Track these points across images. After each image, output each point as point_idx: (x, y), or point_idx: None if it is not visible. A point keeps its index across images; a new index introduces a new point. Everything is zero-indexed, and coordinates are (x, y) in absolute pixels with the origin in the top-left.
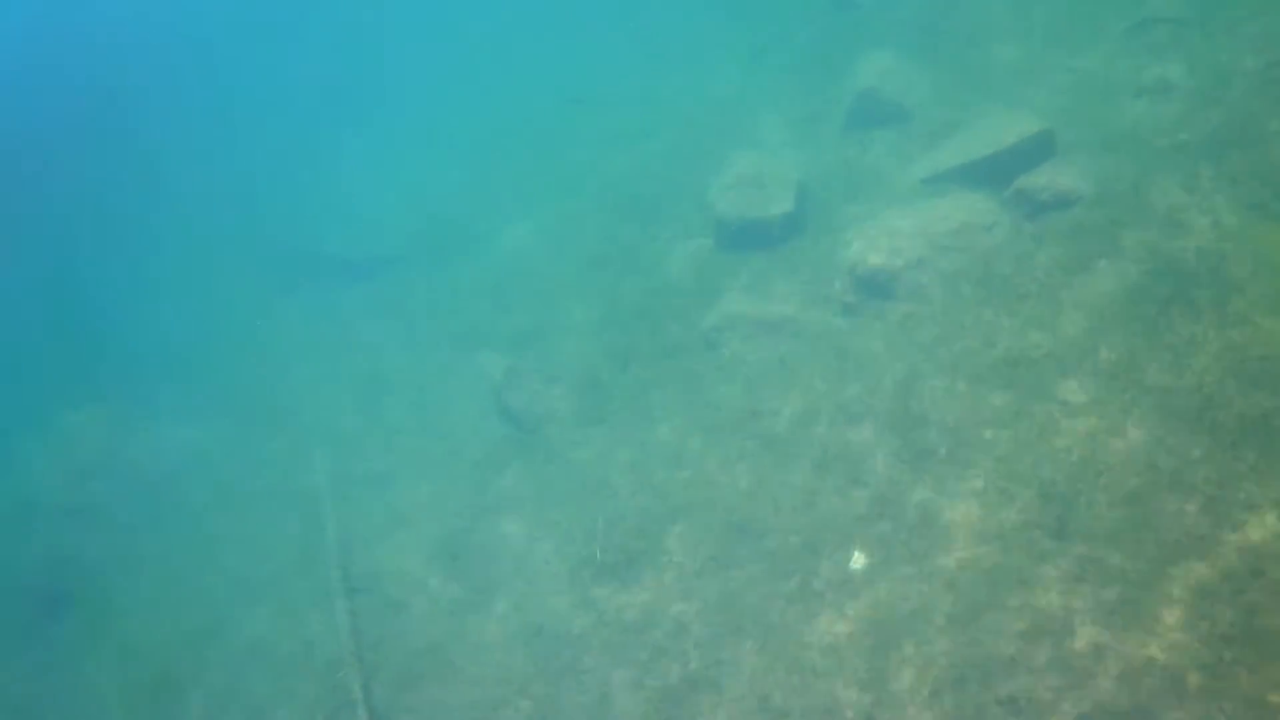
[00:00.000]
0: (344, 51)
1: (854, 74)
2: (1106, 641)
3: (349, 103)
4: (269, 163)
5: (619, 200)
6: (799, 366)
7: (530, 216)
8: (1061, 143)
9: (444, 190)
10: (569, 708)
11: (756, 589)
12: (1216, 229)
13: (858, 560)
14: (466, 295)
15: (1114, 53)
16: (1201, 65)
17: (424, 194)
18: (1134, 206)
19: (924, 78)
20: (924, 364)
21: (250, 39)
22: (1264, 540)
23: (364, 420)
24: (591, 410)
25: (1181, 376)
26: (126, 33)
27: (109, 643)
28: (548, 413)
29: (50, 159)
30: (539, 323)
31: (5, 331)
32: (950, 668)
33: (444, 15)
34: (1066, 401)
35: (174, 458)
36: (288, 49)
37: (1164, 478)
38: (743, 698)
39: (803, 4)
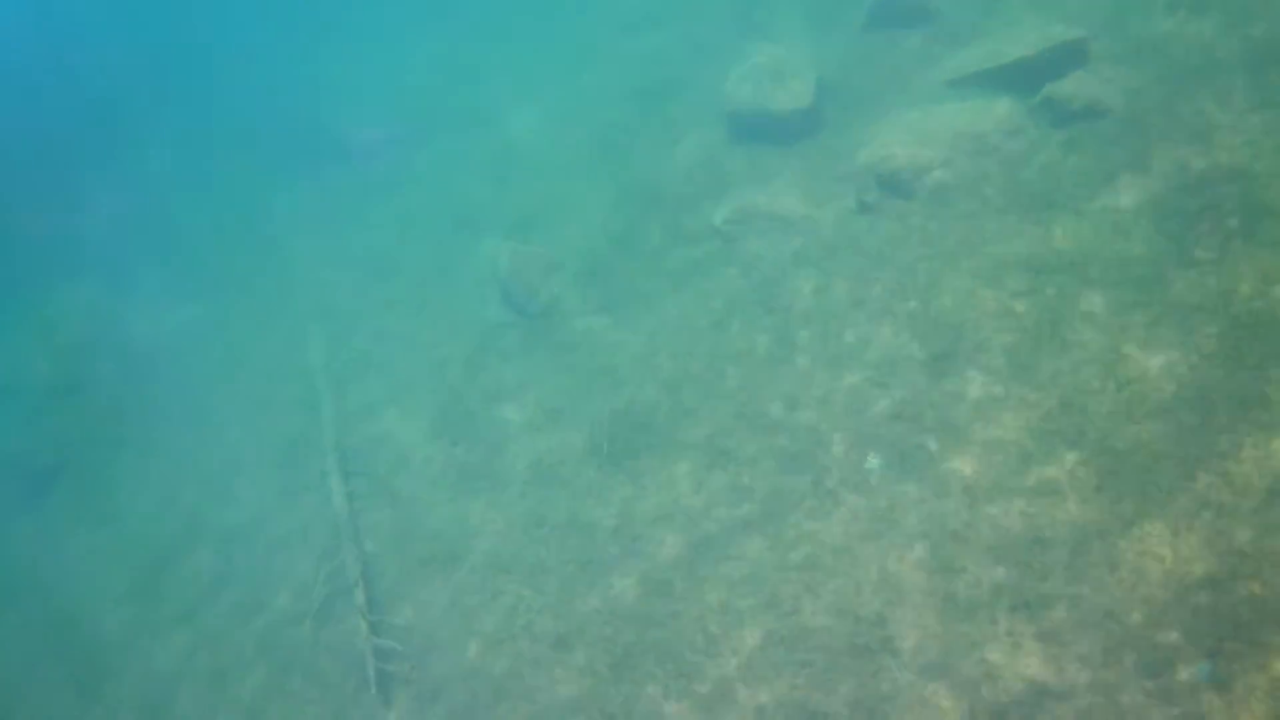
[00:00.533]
0: None
1: None
2: (1120, 551)
3: None
4: (269, 43)
5: (628, 88)
6: (815, 263)
7: (537, 100)
8: (1093, 53)
9: (450, 72)
10: (572, 598)
11: (768, 484)
12: (1250, 148)
13: (872, 461)
14: (470, 178)
15: None
16: None
17: (429, 75)
18: (1164, 122)
19: None
20: (945, 267)
21: None
22: None
23: (363, 302)
24: (597, 298)
25: (1207, 295)
26: None
27: (99, 515)
28: (551, 299)
29: (51, 41)
30: (544, 208)
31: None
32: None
33: None
34: (1090, 313)
35: (166, 337)
36: None
37: (1186, 394)
38: (752, 587)
39: None
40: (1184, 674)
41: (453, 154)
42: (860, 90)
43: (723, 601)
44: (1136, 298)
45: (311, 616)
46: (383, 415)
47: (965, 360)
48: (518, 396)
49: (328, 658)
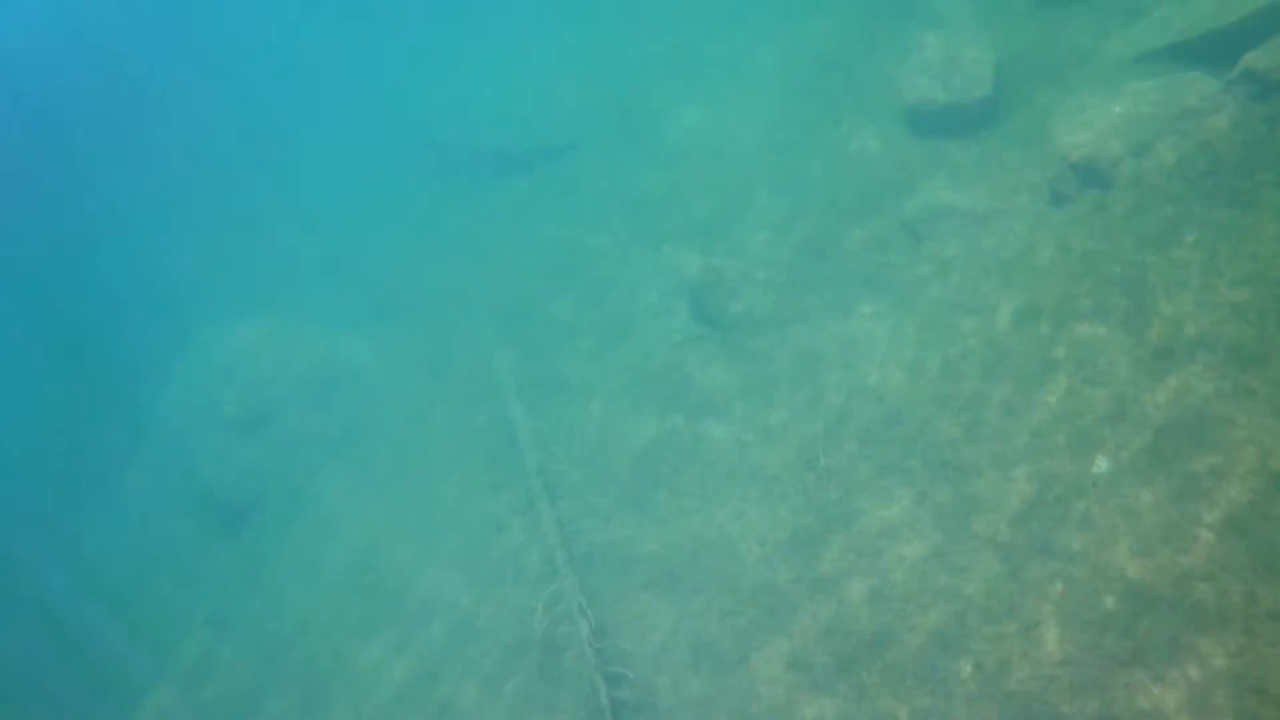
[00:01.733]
0: None
1: None
2: None
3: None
4: (411, 59)
5: (791, 82)
6: (1016, 260)
7: (694, 101)
8: None
9: (601, 76)
10: (801, 618)
11: (986, 497)
12: None
13: (1100, 465)
14: (639, 186)
15: None
16: None
17: (579, 81)
18: None
19: None
20: (1155, 258)
21: None
22: None
23: (542, 321)
24: (790, 307)
25: None
26: None
27: (301, 553)
28: (744, 310)
29: (203, 78)
30: (722, 213)
31: (163, 243)
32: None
33: None
34: None
35: (345, 365)
36: None
37: None
38: (989, 609)
39: None
40: None
41: (614, 161)
42: (1038, 73)
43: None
44: None
45: (536, 644)
46: (584, 436)
47: (1186, 356)
48: (721, 411)
49: (553, 688)
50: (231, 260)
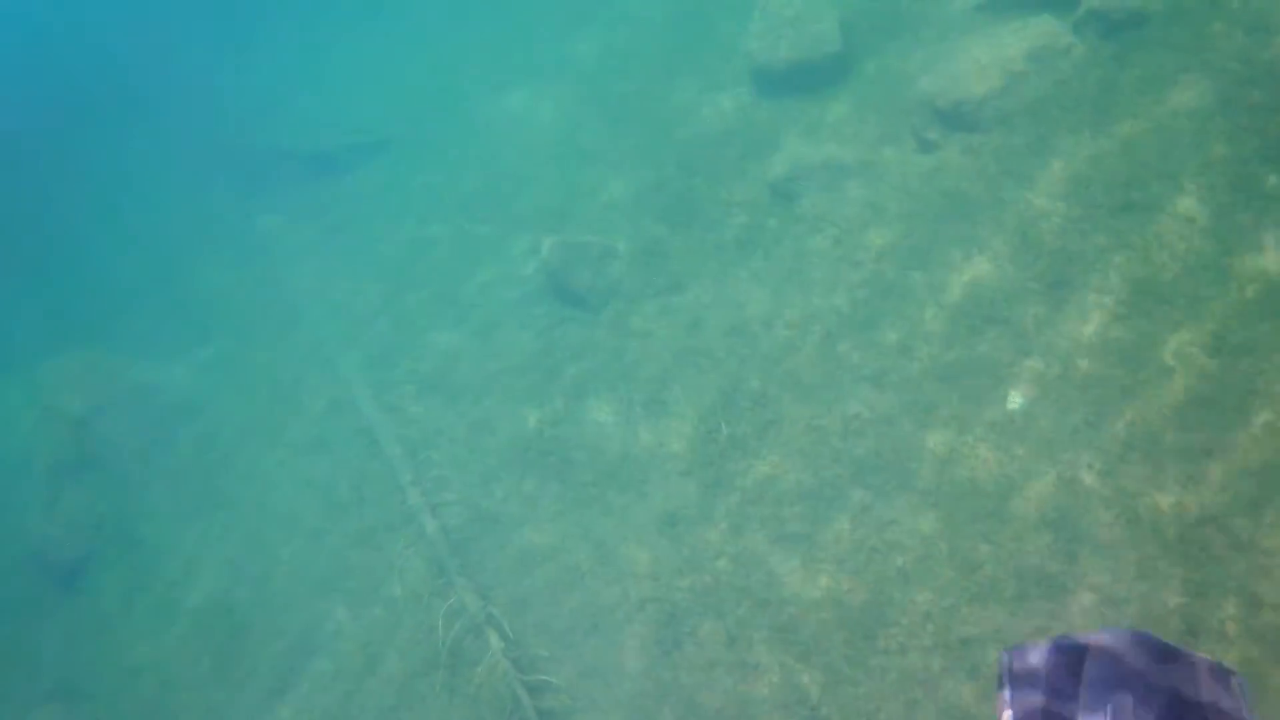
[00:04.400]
0: None
1: None
2: None
3: None
4: (205, 59)
5: (624, 55)
6: (892, 208)
7: (523, 85)
8: None
9: (412, 68)
10: (724, 595)
11: (894, 439)
12: None
13: (1014, 400)
14: (474, 175)
15: None
16: None
17: (390, 74)
18: (1212, 17)
19: None
20: (1029, 194)
21: None
22: None
23: (389, 322)
24: (662, 279)
25: None
26: None
27: (146, 606)
28: (612, 286)
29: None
30: (573, 194)
31: None
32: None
33: None
34: (1189, 218)
35: (178, 391)
36: None
37: None
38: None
39: None
40: None
41: (445, 151)
42: (881, 27)
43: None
44: (1232, 199)
45: (441, 666)
46: (455, 435)
47: (1080, 286)
48: (603, 394)
49: (471, 708)
50: (25, 289)
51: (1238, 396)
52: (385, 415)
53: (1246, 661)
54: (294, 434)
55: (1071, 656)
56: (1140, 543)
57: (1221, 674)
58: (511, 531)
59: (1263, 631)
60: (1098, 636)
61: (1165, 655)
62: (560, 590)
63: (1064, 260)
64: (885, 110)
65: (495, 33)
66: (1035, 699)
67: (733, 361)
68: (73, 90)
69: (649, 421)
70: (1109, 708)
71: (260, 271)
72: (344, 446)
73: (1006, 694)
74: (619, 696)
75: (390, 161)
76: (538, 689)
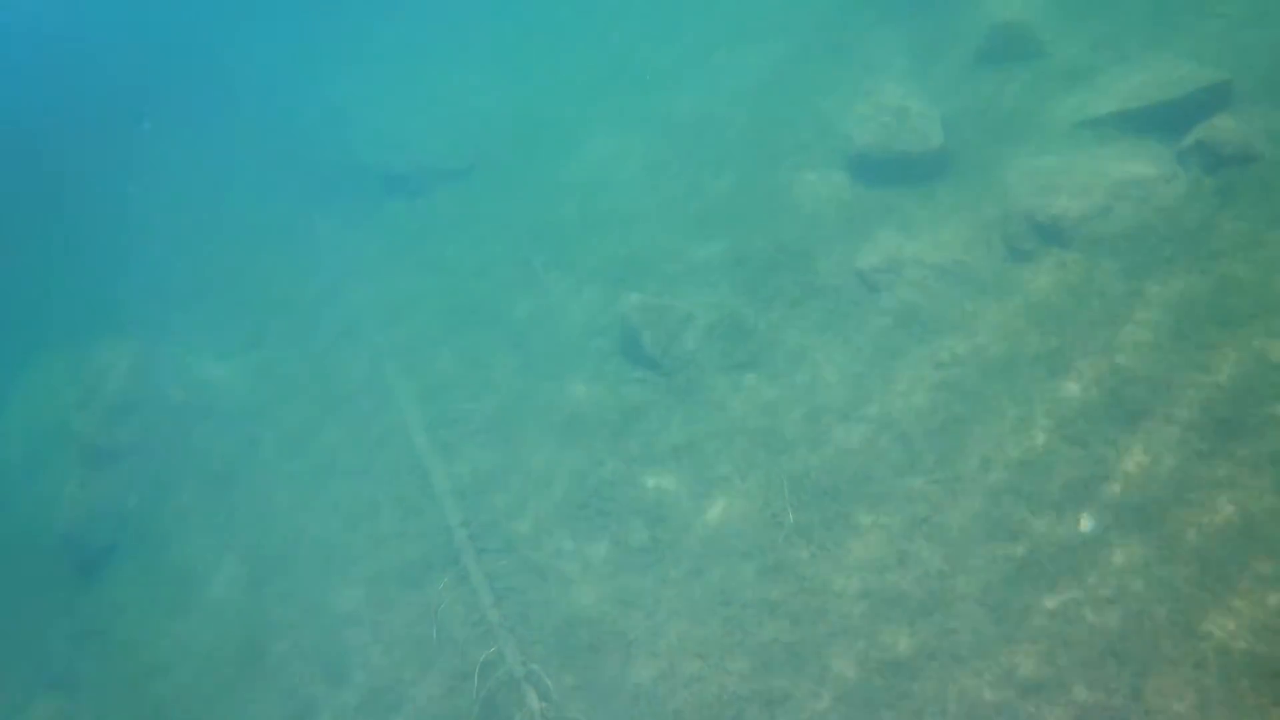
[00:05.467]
0: None
1: (982, 5)
2: None
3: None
4: (292, 70)
5: (721, 118)
6: (980, 314)
7: (611, 133)
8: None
9: (512, 92)
10: (773, 677)
11: (972, 553)
12: None
13: (1085, 523)
14: (552, 217)
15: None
16: None
17: (475, 103)
18: None
19: (1055, 12)
20: (1122, 317)
21: None
22: None
23: (449, 355)
24: (740, 353)
25: None
26: None
27: (168, 603)
28: (687, 354)
29: (67, 72)
30: (654, 252)
31: (21, 254)
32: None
33: None
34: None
35: (222, 393)
36: None
37: None
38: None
39: None
40: None
41: (523, 189)
42: (983, 129)
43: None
44: None
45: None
46: (509, 482)
47: (1157, 419)
48: (670, 463)
49: None
50: (84, 276)
51: None
52: (439, 451)
53: None
54: (341, 454)
55: None
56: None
57: None
58: (560, 588)
59: None
60: None
61: None
62: (604, 655)
63: (1147, 389)
64: (981, 213)
65: (590, 75)
66: None
67: (804, 448)
68: (157, 84)
69: (712, 496)
70: None
71: (322, 282)
72: (392, 476)
73: None
74: None
75: (466, 191)
76: None
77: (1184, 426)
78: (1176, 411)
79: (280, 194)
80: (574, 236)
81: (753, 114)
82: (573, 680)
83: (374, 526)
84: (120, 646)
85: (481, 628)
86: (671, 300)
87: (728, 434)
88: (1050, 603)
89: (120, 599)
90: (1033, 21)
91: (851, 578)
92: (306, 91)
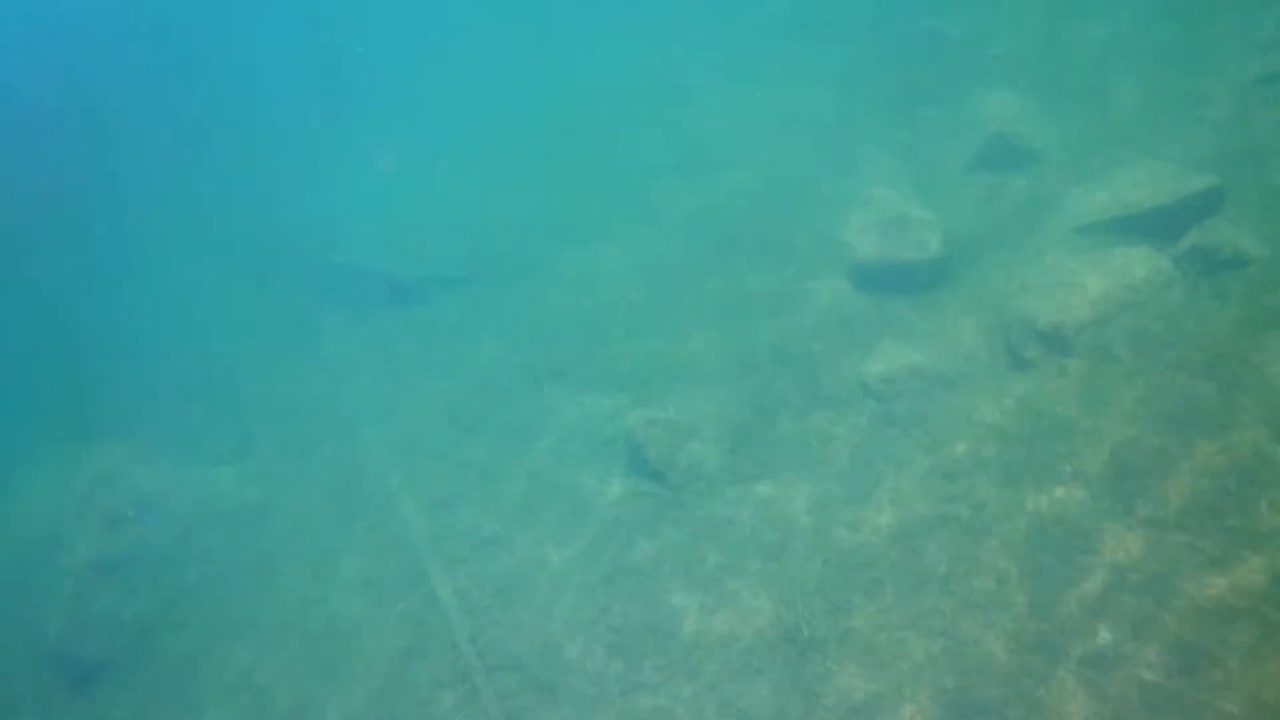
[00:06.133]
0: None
1: (975, 113)
2: None
3: (358, 101)
4: (281, 166)
5: (717, 229)
6: (985, 423)
7: (607, 240)
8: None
9: (490, 205)
10: None
11: (974, 660)
12: None
13: (1104, 635)
14: (549, 326)
15: (1247, 103)
16: None
17: (466, 207)
18: None
19: (1047, 119)
20: (1128, 426)
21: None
22: None
23: (449, 465)
24: (745, 465)
25: None
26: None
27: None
28: (694, 467)
29: (47, 157)
30: (656, 362)
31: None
32: None
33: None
34: None
35: (218, 502)
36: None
37: None
38: None
39: (882, 29)
40: None
41: (519, 297)
42: (981, 236)
43: None
44: None
45: None
46: (516, 596)
47: (1175, 524)
48: (676, 576)
49: None
50: (75, 374)
51: None
52: (444, 565)
53: None
54: (343, 566)
55: None
56: None
57: None
58: (572, 709)
59: None
60: None
61: None
62: None
63: (1160, 499)
64: (981, 321)
65: (586, 179)
66: None
67: (816, 561)
68: (139, 171)
69: (723, 611)
70: None
71: (320, 386)
72: (395, 590)
73: None
74: None
75: (467, 297)
76: None
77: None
78: (1192, 521)
79: (278, 295)
80: (575, 343)
81: (751, 219)
82: None
83: (380, 641)
84: None
85: None
86: (676, 412)
87: (737, 546)
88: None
89: (115, 718)
90: (1026, 130)
91: (868, 691)
92: (306, 189)
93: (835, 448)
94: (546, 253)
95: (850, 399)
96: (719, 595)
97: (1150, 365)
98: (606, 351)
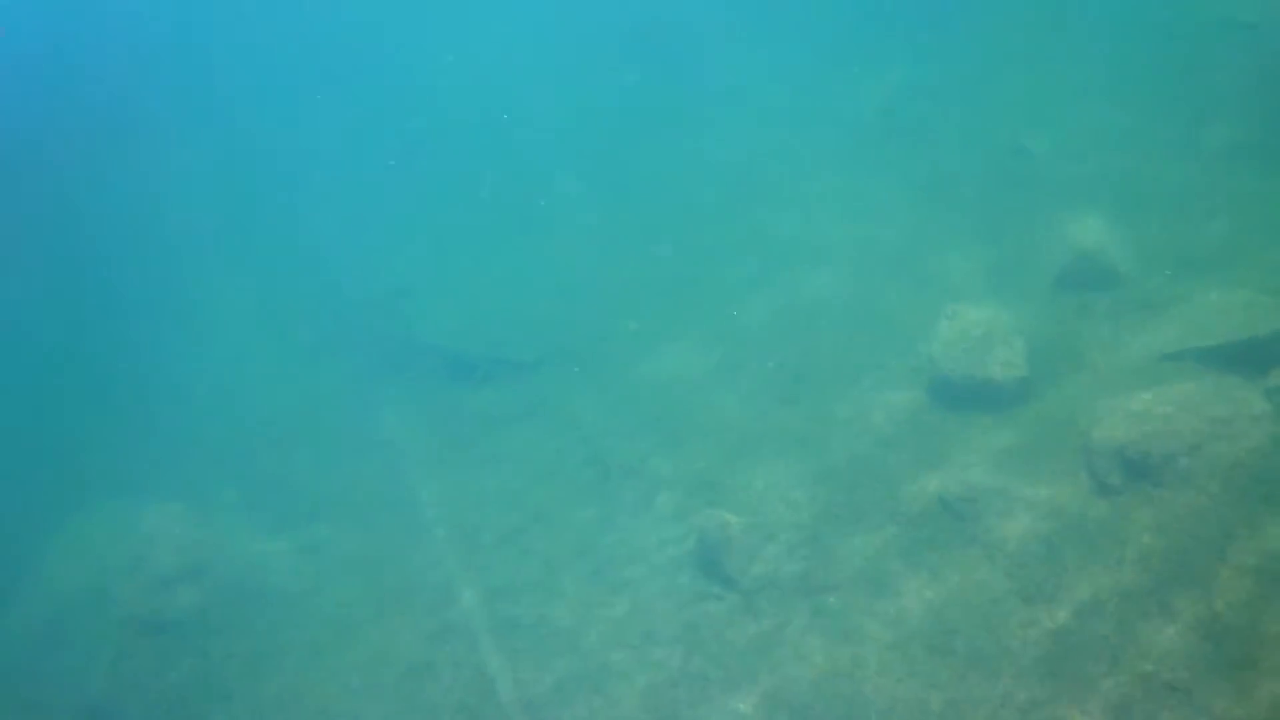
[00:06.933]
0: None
1: (1060, 231)
2: None
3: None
4: (359, 240)
5: (794, 334)
6: (1068, 549)
7: (681, 336)
8: None
9: (571, 294)
10: None
11: None
12: None
13: None
14: (620, 421)
15: None
16: None
17: (547, 294)
18: None
19: (1133, 240)
20: (1214, 561)
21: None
22: None
23: (514, 553)
24: (819, 575)
25: None
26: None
27: None
28: (767, 574)
29: (100, 214)
30: (729, 465)
31: (57, 407)
32: None
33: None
34: None
35: (274, 573)
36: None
37: None
38: None
39: (971, 141)
40: None
41: (593, 388)
42: (1063, 357)
43: None
44: None
45: None
46: (577, 695)
47: (1267, 671)
48: (746, 689)
49: None
50: (125, 432)
51: None
52: (505, 658)
53: None
54: (399, 648)
55: None
56: None
57: None
58: None
59: None
60: None
61: None
62: None
63: (1252, 640)
64: (1063, 444)
65: (655, 277)
66: None
67: (889, 680)
68: (205, 239)
69: None
70: None
71: (380, 464)
72: (452, 678)
73: None
74: None
75: (535, 383)
76: None
77: None
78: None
79: (339, 366)
80: (645, 440)
81: (829, 329)
82: None
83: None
84: None
85: None
86: (750, 517)
87: (811, 661)
88: None
89: None
90: (1112, 251)
91: None
92: (373, 261)
93: (912, 564)
94: (621, 347)
95: (928, 516)
96: (790, 708)
97: (1240, 499)
98: (678, 451)
